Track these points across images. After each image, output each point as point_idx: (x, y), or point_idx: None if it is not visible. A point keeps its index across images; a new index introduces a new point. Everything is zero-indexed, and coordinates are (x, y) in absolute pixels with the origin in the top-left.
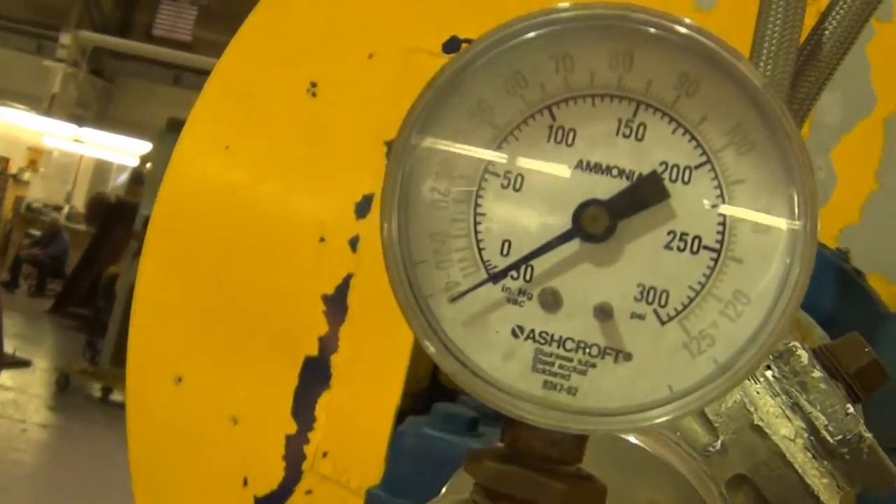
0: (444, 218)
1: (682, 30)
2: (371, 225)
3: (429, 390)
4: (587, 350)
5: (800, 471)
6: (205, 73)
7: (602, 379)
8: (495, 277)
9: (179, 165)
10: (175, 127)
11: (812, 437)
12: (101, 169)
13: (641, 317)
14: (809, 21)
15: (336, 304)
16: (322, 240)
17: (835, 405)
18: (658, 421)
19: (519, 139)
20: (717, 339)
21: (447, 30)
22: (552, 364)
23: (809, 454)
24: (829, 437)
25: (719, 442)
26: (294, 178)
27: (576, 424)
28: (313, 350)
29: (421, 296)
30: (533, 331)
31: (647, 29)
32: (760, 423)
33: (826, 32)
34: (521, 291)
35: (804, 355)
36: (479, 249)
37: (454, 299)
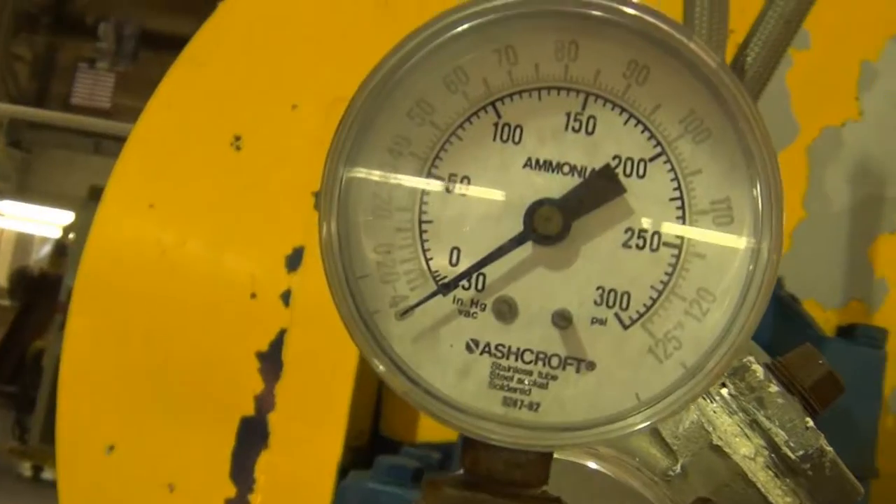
0: (388, 227)
1: (629, 10)
2: (303, 278)
3: (370, 443)
4: (547, 361)
5: (763, 490)
6: (125, 139)
7: (565, 391)
8: (445, 288)
9: (103, 228)
10: (97, 195)
11: (773, 455)
12: (23, 242)
13: (602, 322)
14: (730, 51)
15: (271, 362)
16: (253, 296)
17: (794, 420)
18: (628, 431)
19: (463, 139)
20: (684, 341)
21: None
22: (511, 378)
23: (771, 472)
24: (790, 454)
25: (679, 465)
26: (222, 234)
27: (540, 441)
28: (249, 410)
29: (366, 312)
30: (488, 344)
31: (593, 12)
32: (720, 443)
33: (748, 59)
34: (474, 302)
35: (759, 370)
36: (427, 259)
37: (403, 314)
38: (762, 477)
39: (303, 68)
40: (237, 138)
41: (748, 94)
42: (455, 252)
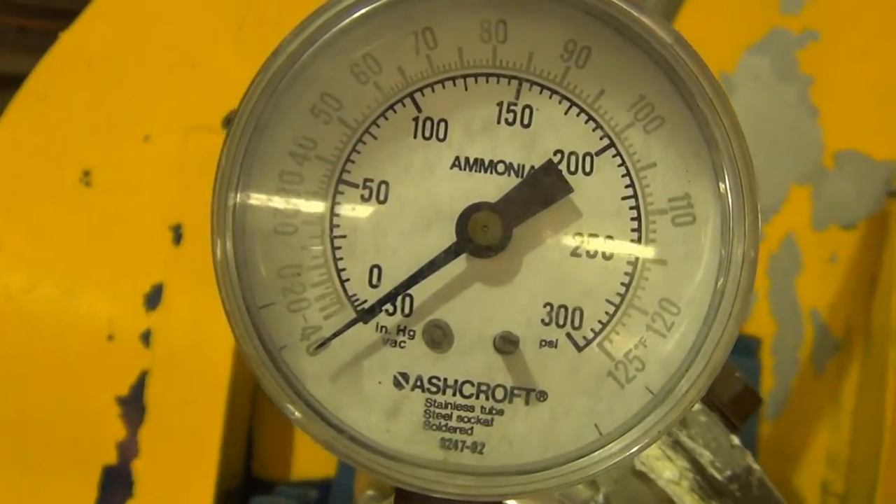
0: (293, 246)
1: None
2: (163, 316)
3: (244, 486)
4: (491, 394)
5: None
6: None
7: (513, 428)
8: (366, 315)
9: None
10: None
11: (698, 477)
12: None
13: (553, 344)
14: None
15: (132, 406)
16: (111, 338)
17: (718, 438)
18: (590, 473)
19: (378, 138)
20: (648, 362)
21: (228, 105)
22: (449, 417)
23: (697, 495)
24: (716, 475)
25: (601, 495)
26: (75, 275)
27: (489, 490)
28: (112, 458)
29: (273, 348)
30: (420, 377)
31: None
32: (642, 469)
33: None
34: (401, 329)
35: None
36: (342, 281)
37: (317, 348)
38: (688, 501)
39: (153, 98)
40: (86, 173)
41: (712, 75)
42: (375, 271)
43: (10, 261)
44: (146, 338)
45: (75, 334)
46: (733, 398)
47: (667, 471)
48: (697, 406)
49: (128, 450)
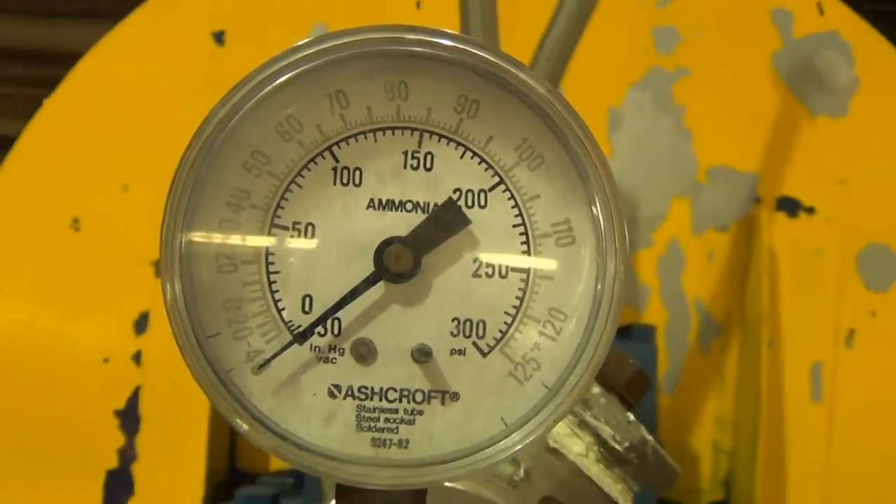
0: (235, 283)
1: (453, 44)
2: (150, 339)
3: (229, 478)
4: (412, 397)
5: (597, 482)
6: None
7: (432, 425)
8: (301, 337)
9: None
10: None
11: (602, 449)
12: None
13: (462, 352)
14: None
15: (129, 417)
16: (106, 360)
17: (616, 416)
18: (499, 458)
19: (303, 186)
20: (543, 362)
21: None
22: (377, 419)
23: (602, 465)
24: (617, 447)
25: (522, 470)
26: (70, 309)
27: (415, 479)
28: (114, 463)
29: (222, 371)
30: (351, 387)
31: (418, 50)
32: (555, 446)
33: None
34: (332, 347)
35: None
36: (279, 310)
37: (259, 368)
38: (595, 470)
39: (130, 150)
40: (76, 220)
41: (581, 120)
42: (307, 300)
43: (10, 300)
44: (137, 358)
45: (75, 359)
46: (627, 382)
47: (575, 446)
48: (598, 390)
49: (127, 455)
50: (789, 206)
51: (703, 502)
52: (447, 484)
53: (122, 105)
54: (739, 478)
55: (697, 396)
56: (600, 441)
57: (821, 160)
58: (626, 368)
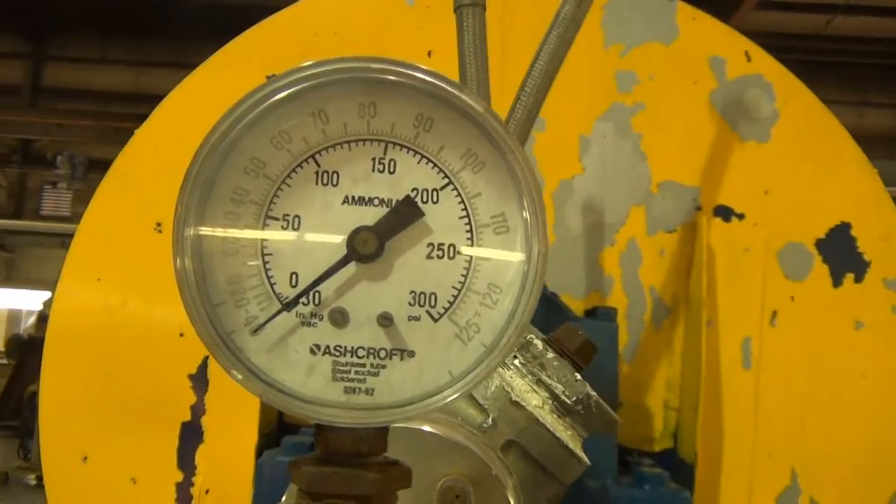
0: (237, 262)
1: (416, 74)
2: None
3: (278, 429)
4: (377, 354)
5: (551, 429)
6: None
7: (393, 377)
8: (288, 306)
9: (63, 297)
10: None
11: (555, 402)
12: (14, 316)
13: (417, 318)
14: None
15: (199, 380)
16: (182, 335)
17: (567, 376)
18: (445, 402)
19: (292, 186)
20: (482, 326)
21: None
22: (349, 372)
23: (555, 415)
24: (567, 400)
25: (490, 419)
26: (153, 294)
27: (377, 419)
28: (187, 416)
29: (224, 333)
30: (328, 346)
31: (387, 77)
32: (518, 400)
33: (518, 110)
34: (313, 314)
35: (539, 343)
36: (271, 284)
37: (255, 331)
38: (550, 419)
39: None
40: (158, 224)
41: (510, 133)
42: (294, 276)
43: (107, 287)
44: None
45: (157, 334)
46: (577, 348)
47: (534, 400)
48: (552, 355)
49: (198, 410)
50: (724, 213)
51: (656, 449)
52: (425, 428)
53: (195, 134)
54: (685, 430)
55: (651, 364)
56: (554, 396)
57: (749, 176)
58: (577, 338)
